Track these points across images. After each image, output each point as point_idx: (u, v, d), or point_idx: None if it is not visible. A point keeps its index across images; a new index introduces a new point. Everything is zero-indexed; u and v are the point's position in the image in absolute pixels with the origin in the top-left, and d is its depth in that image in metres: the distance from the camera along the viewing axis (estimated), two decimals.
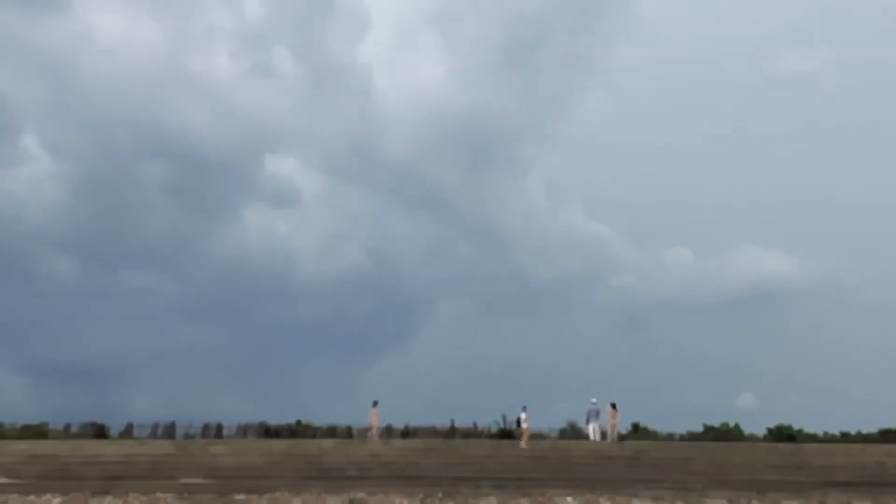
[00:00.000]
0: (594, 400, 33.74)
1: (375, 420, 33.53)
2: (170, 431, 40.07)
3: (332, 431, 40.48)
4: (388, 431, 39.73)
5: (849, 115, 78.45)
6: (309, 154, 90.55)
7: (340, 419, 41.93)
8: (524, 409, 32.71)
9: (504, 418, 39.60)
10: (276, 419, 42.24)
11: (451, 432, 40.32)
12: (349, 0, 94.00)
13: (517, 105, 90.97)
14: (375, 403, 33.40)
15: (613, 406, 34.11)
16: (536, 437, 38.76)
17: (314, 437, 38.12)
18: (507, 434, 38.23)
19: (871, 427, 40.44)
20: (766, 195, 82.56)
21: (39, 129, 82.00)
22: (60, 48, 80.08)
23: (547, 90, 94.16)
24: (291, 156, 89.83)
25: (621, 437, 35.25)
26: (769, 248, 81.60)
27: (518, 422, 33.07)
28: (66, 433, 39.63)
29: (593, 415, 33.66)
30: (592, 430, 33.70)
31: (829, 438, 40.71)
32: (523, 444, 31.04)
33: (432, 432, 40.13)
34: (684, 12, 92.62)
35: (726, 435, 41.15)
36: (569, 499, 21.38)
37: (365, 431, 34.20)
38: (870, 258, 74.40)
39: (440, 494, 22.93)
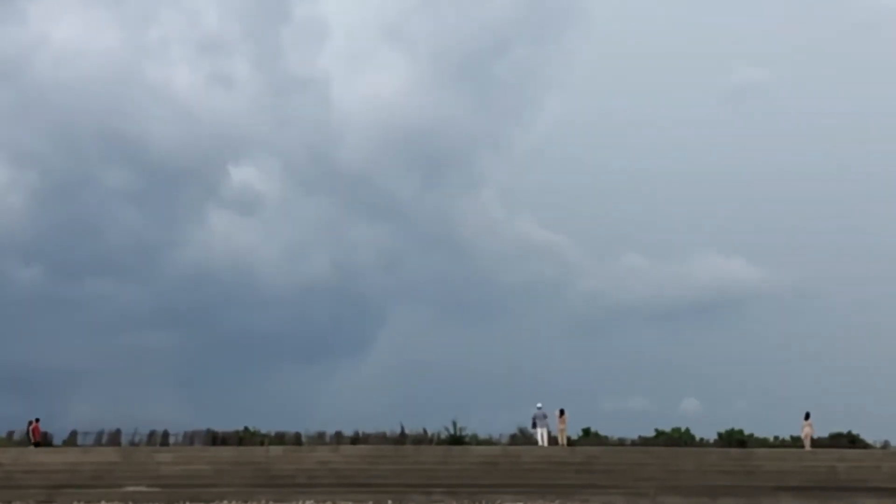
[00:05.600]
0: (539, 405, 33.74)
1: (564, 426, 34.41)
2: (115, 439, 39.33)
3: (280, 438, 40.02)
4: (338, 438, 39.45)
5: (802, 123, 79.55)
6: (269, 163, 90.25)
7: (289, 426, 41.53)
8: (561, 411, 34.15)
9: (454, 424, 39.35)
10: (223, 426, 41.63)
11: (401, 438, 40.06)
12: (307, 10, 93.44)
13: (474, 115, 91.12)
14: (562, 412, 34.24)
15: (562, 412, 34.13)
16: (485, 442, 38.64)
17: (262, 444, 37.62)
18: (457, 440, 38.02)
19: (821, 431, 40.61)
20: (721, 202, 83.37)
21: None
22: (17, 55, 78.85)
23: (504, 101, 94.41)
24: (252, 164, 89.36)
25: (571, 442, 35.21)
26: (724, 255, 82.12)
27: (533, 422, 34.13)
28: (8, 441, 38.66)
29: (540, 419, 33.66)
30: (541, 435, 33.64)
31: (779, 443, 40.91)
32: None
33: (382, 439, 39.87)
34: (642, 23, 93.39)
35: (677, 440, 41.28)
36: None
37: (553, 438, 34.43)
38: (825, 265, 75.26)
39: (389, 502, 22.72)
